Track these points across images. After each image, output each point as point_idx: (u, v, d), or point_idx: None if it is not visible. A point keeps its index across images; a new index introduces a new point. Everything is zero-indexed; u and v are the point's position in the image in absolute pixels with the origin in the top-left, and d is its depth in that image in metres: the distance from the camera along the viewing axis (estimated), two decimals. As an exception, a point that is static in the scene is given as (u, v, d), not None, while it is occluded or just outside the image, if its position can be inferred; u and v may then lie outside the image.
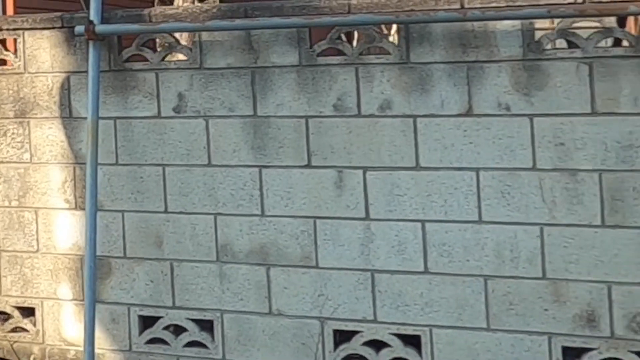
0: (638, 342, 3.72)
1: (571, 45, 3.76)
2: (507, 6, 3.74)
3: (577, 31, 3.73)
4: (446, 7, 3.82)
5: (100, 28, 4.04)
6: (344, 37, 4.07)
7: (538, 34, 3.81)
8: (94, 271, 4.13)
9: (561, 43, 3.88)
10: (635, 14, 3.58)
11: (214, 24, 3.99)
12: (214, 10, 4.08)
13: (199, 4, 5.03)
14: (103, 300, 4.41)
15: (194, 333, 4.31)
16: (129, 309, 4.38)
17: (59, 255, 4.44)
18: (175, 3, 5.41)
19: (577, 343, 3.80)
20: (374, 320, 4.06)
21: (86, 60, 4.18)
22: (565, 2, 3.71)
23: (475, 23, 3.82)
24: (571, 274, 3.79)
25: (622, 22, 3.76)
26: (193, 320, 4.30)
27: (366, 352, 4.09)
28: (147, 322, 4.40)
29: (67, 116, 4.37)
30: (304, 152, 4.07)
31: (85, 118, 4.22)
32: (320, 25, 3.92)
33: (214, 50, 4.15)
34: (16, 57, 4.47)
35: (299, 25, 3.92)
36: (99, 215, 4.29)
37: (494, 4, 3.78)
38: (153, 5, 5.97)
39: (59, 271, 4.46)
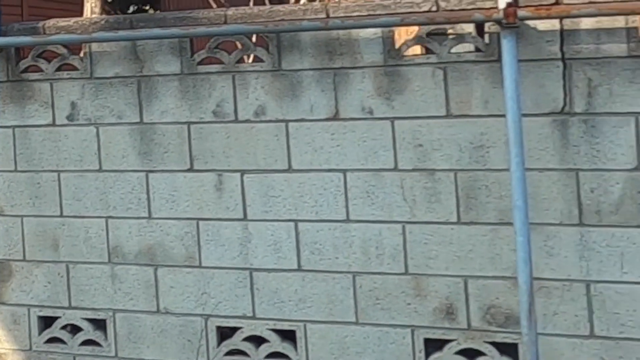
0: (492, 333, 4.01)
1: (428, 51, 4.10)
2: (366, 15, 4.08)
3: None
4: (313, 16, 4.17)
5: (-4, 41, 4.41)
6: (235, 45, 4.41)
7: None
8: (-8, 273, 4.47)
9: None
10: (478, 22, 3.91)
11: (99, 36, 4.36)
12: (102, 22, 4.46)
13: (90, 16, 5.40)
14: (5, 302, 4.75)
15: (89, 332, 4.64)
16: (29, 310, 4.72)
17: (-35, 260, 4.77)
18: (84, 14, 5.80)
19: (438, 335, 4.10)
20: (253, 317, 4.37)
21: (-15, 72, 4.55)
22: (421, 10, 4.04)
23: (340, 32, 4.16)
24: (431, 269, 4.10)
25: (480, 29, 4.10)
26: (88, 319, 4.63)
27: (247, 347, 4.40)
28: (46, 322, 4.73)
29: (-29, 126, 4.73)
30: (186, 157, 4.41)
31: (-15, 127, 4.57)
32: (195, 35, 4.28)
33: (103, 60, 4.51)
34: None
35: (177, 36, 4.28)
36: (0, 221, 4.65)
37: (356, 14, 4.12)
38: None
39: (-35, 275, 4.79)
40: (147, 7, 9.84)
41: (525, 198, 3.79)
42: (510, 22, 3.82)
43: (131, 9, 9.92)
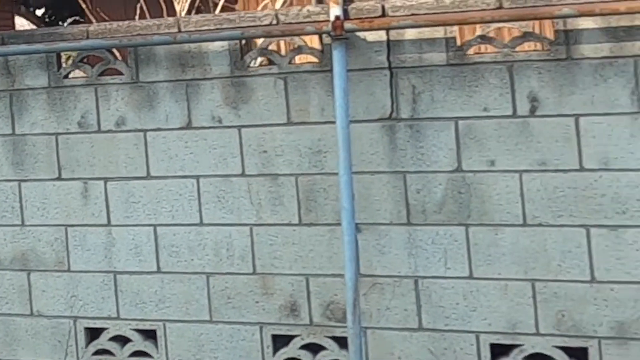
0: (332, 328, 4.40)
1: (270, 62, 4.52)
2: (213, 29, 4.50)
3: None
4: (165, 31, 4.60)
5: None
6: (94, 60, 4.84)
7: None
8: None
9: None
10: (310, 34, 4.33)
11: (-31, 52, 4.79)
12: (-26, 39, 4.89)
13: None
14: None
15: (-31, 335, 5.04)
16: None
17: None
18: None
19: (284, 331, 4.49)
20: (118, 318, 4.77)
21: None
22: (262, 23, 4.47)
23: (191, 45, 4.59)
24: (276, 268, 4.50)
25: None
26: (-32, 323, 5.03)
27: (112, 347, 4.81)
28: None
29: None
30: (55, 166, 4.83)
31: None
32: (57, 51, 4.71)
33: (-22, 76, 4.95)
34: None
35: (41, 51, 4.72)
36: None
37: (205, 28, 4.55)
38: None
39: None
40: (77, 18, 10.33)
41: (352, 200, 4.19)
42: (338, 34, 4.22)
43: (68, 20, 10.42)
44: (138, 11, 6.79)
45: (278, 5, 5.97)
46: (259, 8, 5.87)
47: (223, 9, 6.52)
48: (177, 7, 6.00)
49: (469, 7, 4.13)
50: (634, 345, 3.98)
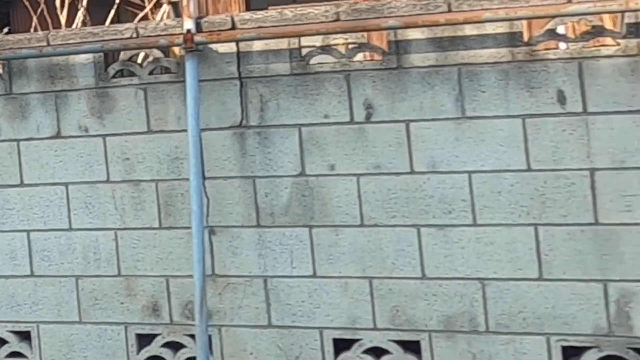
0: (190, 326, 4.79)
1: (132, 74, 4.92)
2: (79, 42, 4.90)
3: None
4: (36, 44, 5.00)
5: None
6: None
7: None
8: None
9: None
10: (164, 46, 4.74)
11: None
12: None
13: None
14: None
15: None
16: None
17: None
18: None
19: (147, 330, 4.89)
20: (-5, 320, 5.16)
21: None
22: (123, 37, 4.87)
23: (60, 57, 4.99)
24: (139, 270, 4.89)
25: (166, 52, 4.92)
26: None
27: (-9, 348, 5.20)
28: None
29: None
30: (-64, 175, 5.22)
31: None
32: None
33: None
34: None
35: None
36: None
37: (71, 41, 4.95)
38: None
39: None
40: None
41: (201, 204, 4.58)
42: (189, 46, 4.63)
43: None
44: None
45: (158, 17, 6.37)
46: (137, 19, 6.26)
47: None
48: (62, 20, 6.40)
49: (310, 20, 4.53)
50: (460, 337, 4.37)
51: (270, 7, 6.32)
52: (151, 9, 6.50)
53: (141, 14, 6.16)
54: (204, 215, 4.70)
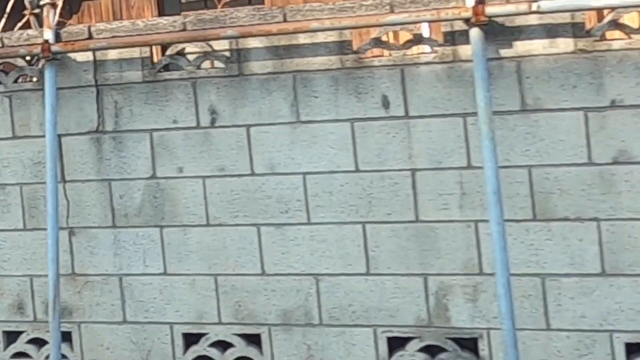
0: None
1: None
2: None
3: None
4: None
5: None
6: None
7: None
8: None
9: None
10: (24, 56, 5.11)
11: None
12: None
13: None
14: None
15: None
16: None
17: None
18: None
19: (13, 327, 5.25)
20: None
21: None
22: (-10, 47, 5.24)
23: None
24: (5, 270, 5.26)
25: (30, 62, 5.29)
26: None
27: None
28: None
29: None
30: None
31: None
32: None
33: None
34: None
35: None
36: None
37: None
38: None
39: None
40: None
41: (56, 206, 4.97)
42: (46, 55, 5.02)
43: None
44: None
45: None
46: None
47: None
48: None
49: (159, 30, 4.90)
50: (296, 330, 4.74)
51: (182, 12, 6.69)
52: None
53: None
54: (60, 216, 5.04)
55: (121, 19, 8.59)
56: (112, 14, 9.08)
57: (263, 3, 7.92)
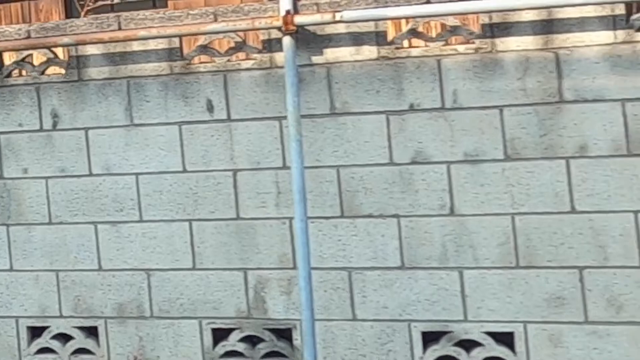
0: None
1: None
2: None
3: None
4: None
5: None
6: None
7: None
8: None
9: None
10: None
11: None
12: None
13: None
14: None
15: None
16: None
17: None
18: None
19: None
20: None
21: None
22: None
23: None
24: None
25: None
26: None
27: None
28: None
29: None
30: None
31: None
32: None
33: None
34: None
35: None
36: None
37: None
38: None
39: None
40: None
41: None
42: None
43: None
44: None
45: None
46: None
47: None
48: None
49: (6, 37, 5.31)
50: (130, 323, 5.14)
51: (84, 15, 7.09)
52: None
53: None
54: None
55: (30, 22, 8.98)
56: (21, 18, 9.48)
57: (167, 6, 8.31)
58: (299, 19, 4.76)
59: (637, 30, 4.43)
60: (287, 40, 4.79)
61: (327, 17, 4.72)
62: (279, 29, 4.80)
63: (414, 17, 4.69)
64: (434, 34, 4.76)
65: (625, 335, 4.45)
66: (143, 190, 5.12)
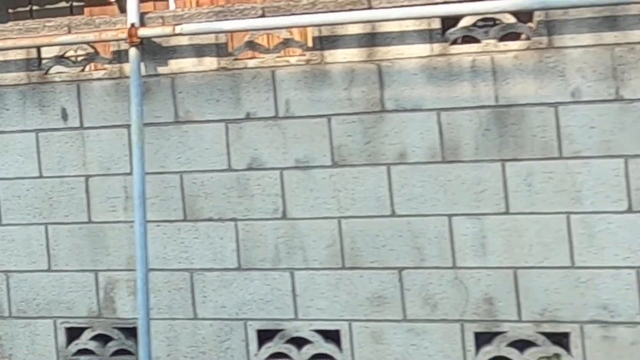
0: None
1: None
2: None
3: None
4: None
5: None
6: None
7: None
8: None
9: None
10: None
11: None
12: None
13: None
14: None
15: None
16: None
17: None
18: None
19: None
20: None
21: None
22: None
23: None
24: None
25: None
26: None
27: None
28: None
29: None
30: None
31: None
32: None
33: None
34: None
35: None
36: None
37: None
38: None
39: None
40: None
41: None
42: None
43: None
44: None
45: None
46: None
47: None
48: None
49: None
50: (-10, 323, 5.49)
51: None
52: None
53: None
54: None
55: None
56: None
57: (83, 13, 8.66)
58: (142, 32, 5.12)
59: (452, 44, 4.80)
60: (132, 52, 5.15)
61: (168, 30, 5.08)
62: (126, 40, 5.15)
63: (248, 30, 5.06)
64: (270, 47, 5.12)
65: (440, 332, 4.81)
66: (2, 195, 5.47)
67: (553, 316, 4.69)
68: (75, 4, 8.22)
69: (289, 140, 5.01)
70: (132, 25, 5.15)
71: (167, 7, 7.07)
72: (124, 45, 5.27)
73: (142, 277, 5.01)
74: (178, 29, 5.08)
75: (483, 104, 4.73)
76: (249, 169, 5.08)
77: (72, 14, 8.26)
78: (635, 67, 4.56)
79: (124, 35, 5.17)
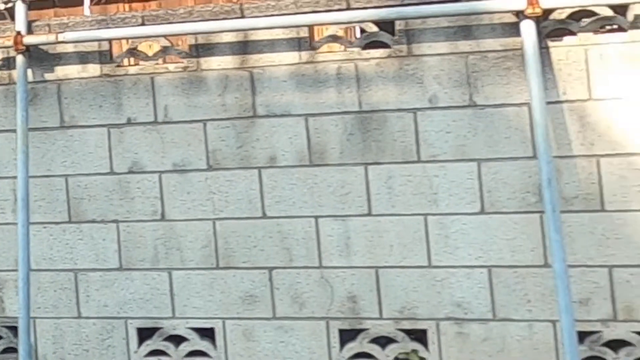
0: None
1: None
2: None
3: None
4: None
5: None
6: None
7: None
8: None
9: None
10: None
11: None
12: None
13: None
14: None
15: None
16: None
17: None
18: None
19: None
20: None
21: None
22: None
23: None
24: None
25: None
26: None
27: None
28: None
29: None
30: None
31: None
32: None
33: None
34: None
35: None
36: None
37: None
38: None
39: None
40: None
41: None
42: None
43: None
44: None
45: None
46: None
47: None
48: None
49: None
50: None
51: None
52: None
53: None
54: None
55: None
56: None
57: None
58: (27, 39, 5.38)
59: (318, 52, 5.07)
60: (19, 59, 5.42)
61: (52, 37, 5.34)
62: (10, 48, 5.41)
63: (126, 38, 5.32)
64: (150, 54, 5.39)
65: (307, 329, 5.08)
66: None
67: (411, 314, 4.96)
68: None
69: (167, 145, 5.27)
70: (18, 33, 5.40)
71: (82, 12, 7.31)
72: (12, 53, 5.52)
73: (23, 278, 5.27)
74: (61, 37, 5.35)
75: (348, 110, 5.00)
76: (130, 172, 5.34)
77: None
78: (488, 75, 4.83)
79: (10, 42, 5.42)
